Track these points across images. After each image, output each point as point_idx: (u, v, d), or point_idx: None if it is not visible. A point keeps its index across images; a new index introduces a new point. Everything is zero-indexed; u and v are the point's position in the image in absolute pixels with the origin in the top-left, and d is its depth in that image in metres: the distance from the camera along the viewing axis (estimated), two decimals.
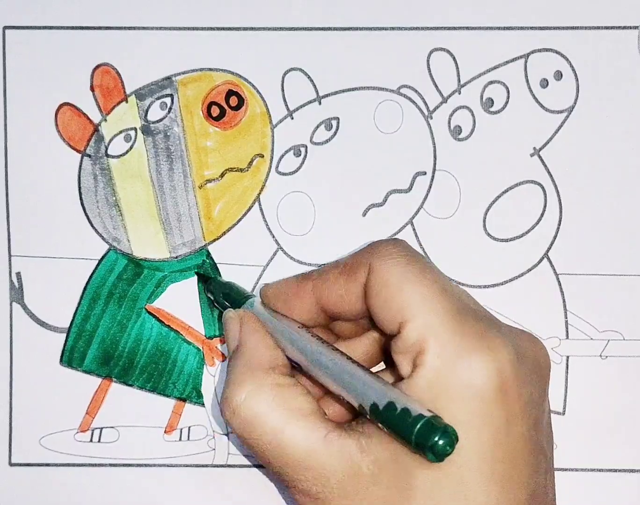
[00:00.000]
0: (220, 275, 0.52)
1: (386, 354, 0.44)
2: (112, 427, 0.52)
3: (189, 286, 0.52)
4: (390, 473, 0.38)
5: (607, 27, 0.50)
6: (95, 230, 0.52)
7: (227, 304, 0.48)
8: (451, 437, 0.36)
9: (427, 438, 0.36)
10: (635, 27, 0.50)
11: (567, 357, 0.51)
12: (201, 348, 0.52)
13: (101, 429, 0.52)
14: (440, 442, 0.36)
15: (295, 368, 0.44)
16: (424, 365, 0.38)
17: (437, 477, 0.38)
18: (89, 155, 0.52)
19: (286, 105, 0.51)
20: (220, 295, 0.49)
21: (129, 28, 0.51)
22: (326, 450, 0.39)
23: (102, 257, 0.52)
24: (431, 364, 0.38)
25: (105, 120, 0.51)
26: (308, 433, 0.40)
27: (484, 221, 0.51)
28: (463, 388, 0.38)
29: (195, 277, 0.52)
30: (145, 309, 0.52)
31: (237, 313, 0.46)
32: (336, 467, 0.39)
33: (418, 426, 0.36)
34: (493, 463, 0.37)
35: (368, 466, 0.39)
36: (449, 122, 0.51)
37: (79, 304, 0.52)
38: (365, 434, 0.40)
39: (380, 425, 0.38)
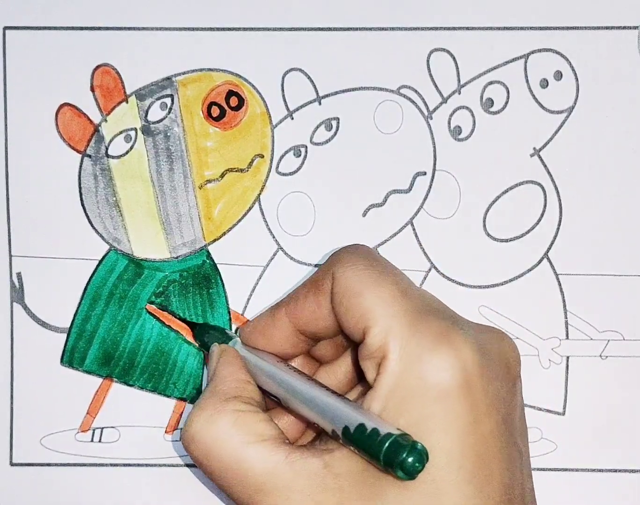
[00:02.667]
0: (221, 277, 0.52)
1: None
2: (112, 427, 0.52)
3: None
4: (359, 486, 0.38)
5: (607, 27, 0.50)
6: (96, 230, 0.52)
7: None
8: (420, 454, 0.35)
9: (395, 456, 0.35)
10: (635, 27, 0.50)
11: (567, 357, 0.51)
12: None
13: (102, 429, 0.52)
14: (409, 459, 0.35)
15: (276, 404, 0.44)
16: (386, 371, 0.38)
17: (407, 484, 0.37)
18: (89, 156, 0.52)
19: (286, 105, 0.51)
20: (205, 338, 0.49)
21: (129, 28, 0.51)
22: (290, 469, 0.39)
23: (103, 258, 0.52)
24: (393, 369, 0.38)
25: (106, 120, 0.51)
26: (269, 454, 0.39)
27: (484, 221, 0.51)
28: (426, 389, 0.37)
29: (195, 277, 0.52)
30: (146, 309, 0.52)
31: (219, 347, 0.47)
32: (302, 485, 0.38)
33: (386, 445, 0.36)
34: (463, 462, 0.37)
35: (334, 481, 0.38)
36: (449, 122, 0.51)
37: (80, 304, 0.52)
38: (328, 450, 0.39)
39: (352, 448, 0.38)
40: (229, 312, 0.52)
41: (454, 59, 0.51)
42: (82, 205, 0.52)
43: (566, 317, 0.51)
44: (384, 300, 0.39)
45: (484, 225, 0.51)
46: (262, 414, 0.41)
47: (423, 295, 0.41)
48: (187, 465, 0.52)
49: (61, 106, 0.51)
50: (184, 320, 0.52)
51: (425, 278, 0.51)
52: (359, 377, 0.45)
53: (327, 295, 0.41)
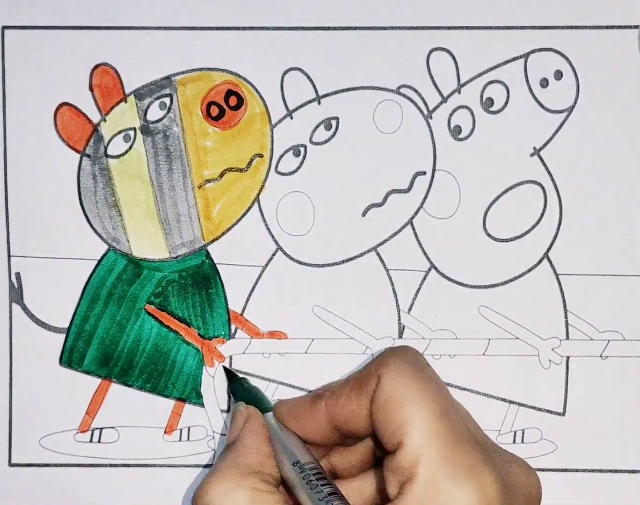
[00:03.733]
0: (220, 277, 0.52)
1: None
2: (112, 428, 0.52)
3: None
4: None
5: (607, 27, 0.50)
6: (95, 230, 0.52)
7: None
8: None
9: None
10: (636, 27, 0.50)
11: (567, 357, 0.51)
12: (200, 349, 0.52)
13: (101, 429, 0.52)
14: None
15: (285, 485, 0.44)
16: (410, 493, 0.38)
17: None
18: (88, 155, 0.51)
19: (285, 105, 0.51)
20: (239, 396, 0.49)
21: (128, 28, 0.51)
22: None
23: (102, 258, 0.52)
24: (417, 493, 0.38)
25: (105, 120, 0.51)
26: None
27: (484, 221, 0.51)
28: None
29: (194, 277, 0.52)
30: (145, 309, 0.52)
31: (247, 409, 0.47)
32: None
33: None
34: None
35: None
36: (449, 122, 0.51)
37: (79, 304, 0.52)
38: None
39: None
40: (228, 313, 0.52)
41: (453, 58, 0.50)
42: (81, 205, 0.52)
43: (566, 317, 0.51)
44: (424, 418, 0.39)
45: (484, 225, 0.51)
46: (279, 495, 0.41)
47: (460, 415, 0.41)
48: (186, 466, 0.52)
49: (60, 106, 0.51)
50: (183, 321, 0.52)
51: (425, 278, 0.51)
52: (379, 491, 0.46)
53: (369, 396, 0.42)
